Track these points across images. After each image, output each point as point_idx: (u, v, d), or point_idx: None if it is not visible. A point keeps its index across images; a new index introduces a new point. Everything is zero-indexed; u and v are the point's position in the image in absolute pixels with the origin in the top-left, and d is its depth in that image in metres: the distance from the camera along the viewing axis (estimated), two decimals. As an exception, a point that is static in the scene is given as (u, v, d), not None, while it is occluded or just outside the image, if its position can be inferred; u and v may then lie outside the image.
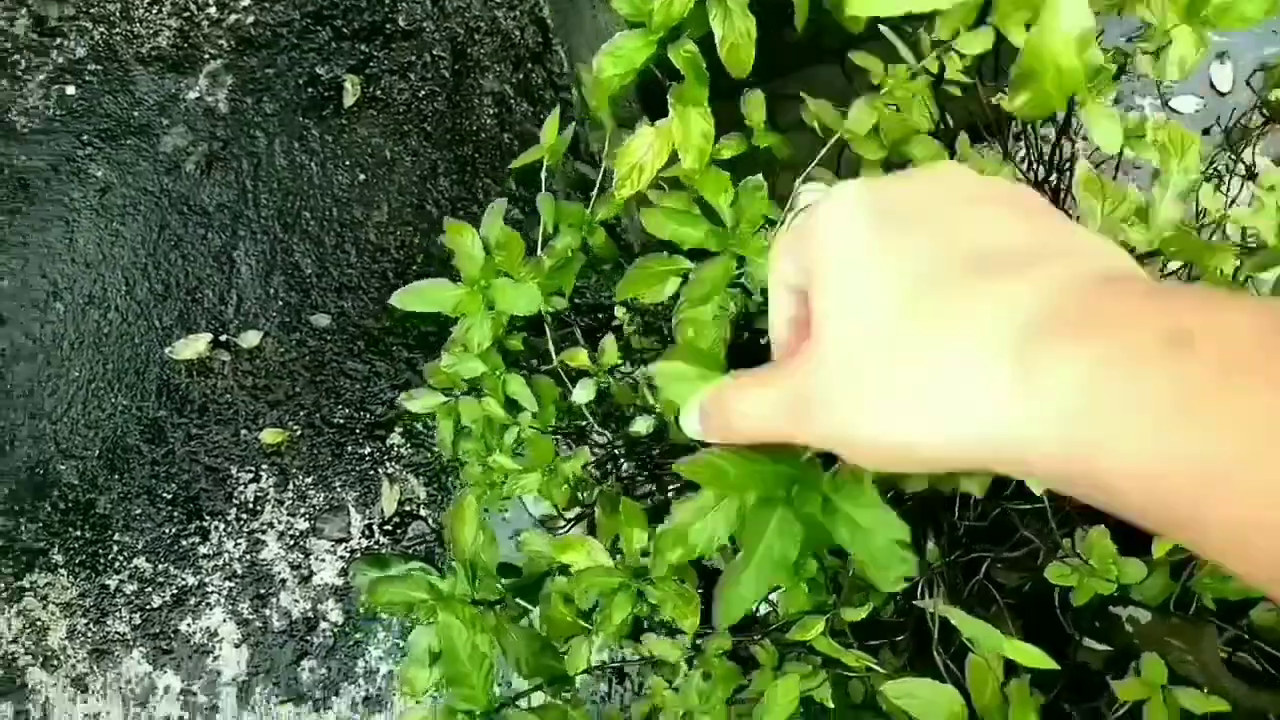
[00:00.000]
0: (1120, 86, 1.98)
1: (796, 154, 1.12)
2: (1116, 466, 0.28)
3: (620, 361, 1.06)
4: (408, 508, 1.93)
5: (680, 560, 0.53)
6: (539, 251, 1.29)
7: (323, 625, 1.90)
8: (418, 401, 1.27)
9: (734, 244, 0.94)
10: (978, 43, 0.86)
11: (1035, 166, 1.14)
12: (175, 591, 1.96)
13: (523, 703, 1.03)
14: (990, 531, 1.17)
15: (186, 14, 2.27)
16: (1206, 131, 1.88)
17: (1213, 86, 2.00)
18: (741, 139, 1.01)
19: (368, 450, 1.97)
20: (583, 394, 1.08)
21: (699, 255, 1.04)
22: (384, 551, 1.93)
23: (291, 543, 1.96)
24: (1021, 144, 1.27)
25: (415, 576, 1.02)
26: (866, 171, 0.96)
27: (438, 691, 1.07)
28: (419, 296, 1.14)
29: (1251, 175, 1.42)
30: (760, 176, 0.92)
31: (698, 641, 0.94)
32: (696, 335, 1.01)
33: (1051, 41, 0.50)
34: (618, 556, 1.01)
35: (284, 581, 1.94)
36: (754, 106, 1.01)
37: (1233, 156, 1.43)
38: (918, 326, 0.33)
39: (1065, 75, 0.51)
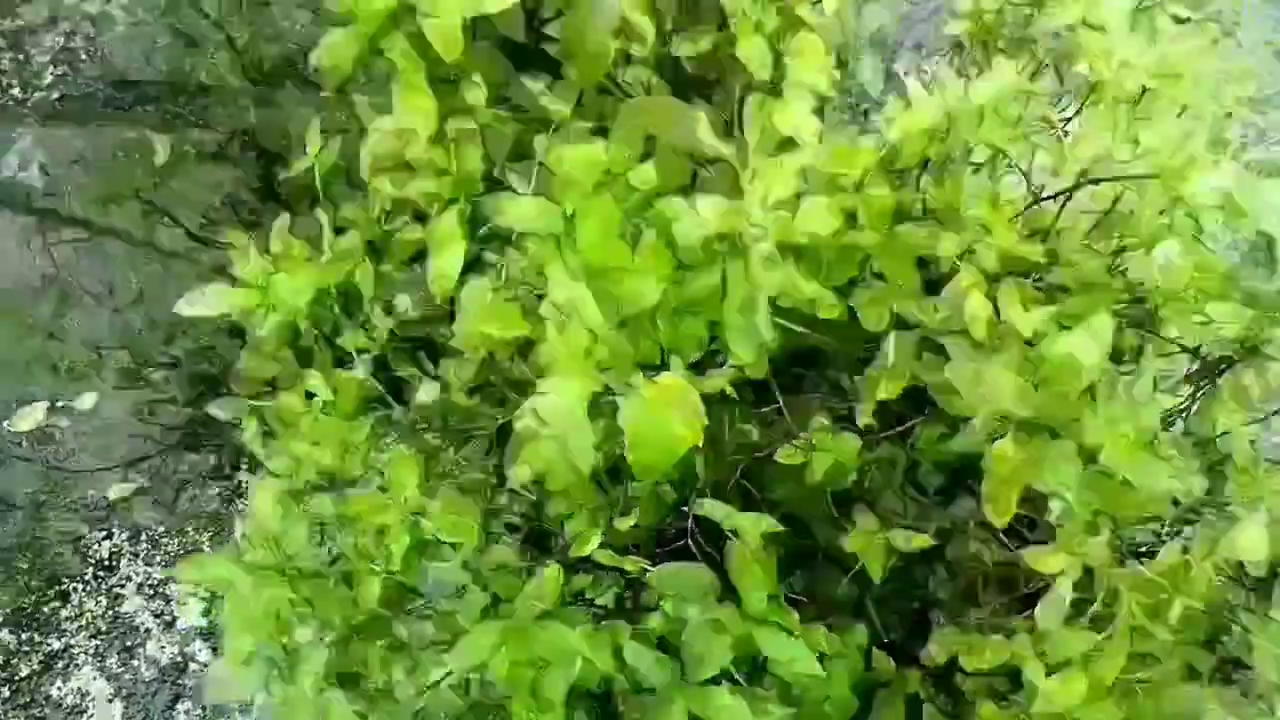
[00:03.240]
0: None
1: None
2: None
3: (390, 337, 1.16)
4: (263, 539, 1.98)
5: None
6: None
7: (192, 666, 1.94)
8: (224, 409, 1.35)
9: (460, 189, 1.07)
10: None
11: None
12: (42, 658, 1.97)
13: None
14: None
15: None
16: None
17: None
18: (466, 119, 1.13)
19: (216, 490, 2.02)
20: (360, 370, 1.17)
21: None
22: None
23: (152, 592, 1.99)
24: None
25: (218, 556, 1.10)
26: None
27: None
28: (202, 301, 1.23)
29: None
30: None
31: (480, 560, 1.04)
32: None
33: (584, 29, 0.63)
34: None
35: (149, 631, 1.97)
36: (472, 89, 1.12)
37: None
38: None
39: (597, 58, 0.64)
